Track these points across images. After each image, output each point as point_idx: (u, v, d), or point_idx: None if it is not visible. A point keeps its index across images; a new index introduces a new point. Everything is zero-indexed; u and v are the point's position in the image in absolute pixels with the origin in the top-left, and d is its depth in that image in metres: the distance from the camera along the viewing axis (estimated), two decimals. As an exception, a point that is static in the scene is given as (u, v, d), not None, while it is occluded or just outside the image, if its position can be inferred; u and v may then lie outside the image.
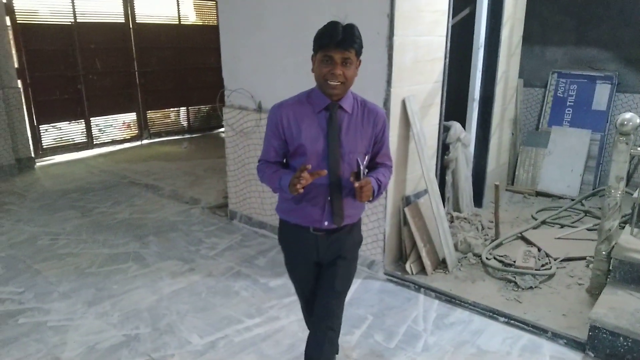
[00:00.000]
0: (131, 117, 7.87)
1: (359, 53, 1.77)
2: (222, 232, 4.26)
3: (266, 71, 3.86)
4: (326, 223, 1.90)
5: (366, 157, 1.89)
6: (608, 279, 2.94)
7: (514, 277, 3.28)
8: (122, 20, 7.39)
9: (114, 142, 7.62)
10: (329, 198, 1.86)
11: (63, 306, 3.08)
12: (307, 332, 2.73)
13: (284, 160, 1.96)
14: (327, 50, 1.72)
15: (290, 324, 2.89)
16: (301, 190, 1.72)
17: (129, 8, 7.40)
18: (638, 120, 2.82)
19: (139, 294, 3.22)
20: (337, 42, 1.70)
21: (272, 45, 3.75)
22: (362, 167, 1.82)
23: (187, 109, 8.56)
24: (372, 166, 1.97)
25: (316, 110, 1.83)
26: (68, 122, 7.02)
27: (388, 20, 3.05)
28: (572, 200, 4.77)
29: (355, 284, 3.34)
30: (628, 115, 2.82)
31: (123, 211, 4.77)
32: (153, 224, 4.44)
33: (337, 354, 2.32)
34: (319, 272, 2.07)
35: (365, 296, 3.20)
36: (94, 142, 7.34)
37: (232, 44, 4.08)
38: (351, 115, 1.85)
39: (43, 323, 2.90)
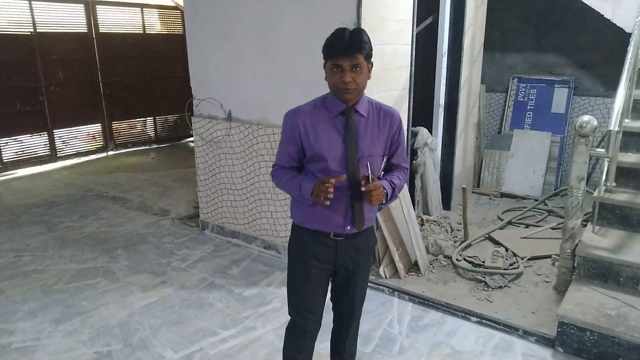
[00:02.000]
0: (96, 128, 7.71)
1: (368, 57, 1.76)
2: (194, 242, 4.20)
3: (236, 79, 3.85)
4: (349, 227, 1.88)
5: (384, 160, 1.90)
6: (573, 276, 3.05)
7: (484, 277, 3.36)
8: (84, 30, 7.24)
9: (78, 154, 7.44)
10: (349, 202, 1.85)
11: (29, 326, 2.97)
12: (282, 341, 2.74)
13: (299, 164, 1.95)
14: (335, 59, 1.72)
15: (267, 333, 2.87)
16: (327, 203, 1.72)
17: (91, 17, 7.26)
18: (595, 123, 2.95)
19: (110, 310, 3.14)
20: (344, 50, 1.69)
21: (241, 53, 3.75)
22: (369, 170, 1.80)
23: (154, 119, 8.45)
24: (388, 168, 1.97)
25: (332, 115, 1.82)
26: (30, 135, 6.82)
27: (355, 29, 3.09)
28: (536, 200, 4.94)
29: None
30: (586, 117, 2.95)
31: (90, 225, 4.65)
32: (122, 237, 4.34)
33: None
34: (329, 285, 2.04)
35: (340, 302, 3.21)
36: (58, 155, 7.14)
37: (200, 53, 4.06)
38: (367, 119, 1.85)
39: (7, 345, 2.78)
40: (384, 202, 1.83)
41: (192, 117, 4.24)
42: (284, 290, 3.33)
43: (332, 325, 2.26)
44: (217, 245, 4.14)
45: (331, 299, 2.11)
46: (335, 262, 1.94)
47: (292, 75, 3.49)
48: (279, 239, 3.85)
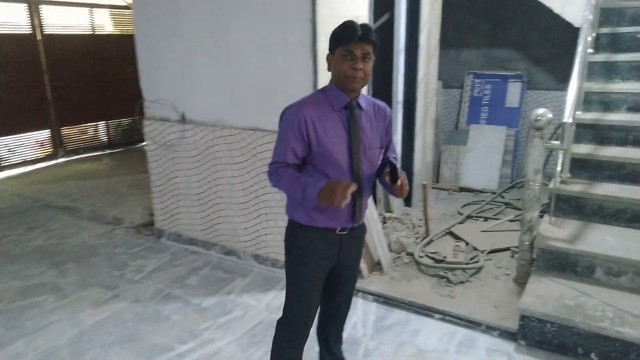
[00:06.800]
0: (44, 134, 7.33)
1: (375, 49, 1.79)
2: (149, 252, 4.02)
3: (189, 79, 3.70)
4: (355, 223, 1.94)
5: (381, 152, 1.99)
6: (532, 268, 3.08)
7: (446, 272, 3.36)
8: (28, 31, 6.86)
9: (25, 163, 7.03)
10: (353, 197, 1.84)
11: (-33, 351, 2.75)
12: (244, 352, 2.64)
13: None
14: (347, 46, 1.73)
15: (227, 345, 2.75)
16: (343, 206, 1.69)
17: (35, 18, 6.88)
18: (550, 115, 2.99)
19: (57, 329, 2.93)
20: (359, 37, 1.72)
21: (193, 52, 3.61)
22: (398, 166, 1.84)
23: (107, 123, 8.11)
24: (382, 160, 2.03)
25: (337, 108, 1.83)
26: (-30, 144, 6.39)
27: (311, 26, 3.02)
28: (493, 193, 5.01)
29: (293, 295, 3.27)
30: (541, 110, 2.98)
31: (37, 238, 4.38)
32: (71, 250, 4.10)
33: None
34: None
35: (303, 306, 3.13)
36: (3, 164, 6.73)
37: (150, 52, 3.88)
38: (367, 112, 1.89)
39: (-57, 373, 2.57)
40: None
41: (143, 120, 4.06)
42: (245, 298, 3.25)
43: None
44: (174, 253, 3.97)
45: (325, 295, 2.12)
46: (339, 257, 1.98)
47: (247, 73, 3.38)
48: (239, 244, 3.73)
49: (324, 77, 3.13)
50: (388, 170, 1.83)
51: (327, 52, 1.86)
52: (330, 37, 1.81)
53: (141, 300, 3.25)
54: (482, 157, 5.36)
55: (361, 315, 3.02)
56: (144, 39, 3.89)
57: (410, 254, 3.66)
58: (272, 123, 3.34)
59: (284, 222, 3.41)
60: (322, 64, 3.09)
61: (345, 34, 1.75)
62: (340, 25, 1.79)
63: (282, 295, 3.24)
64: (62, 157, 7.48)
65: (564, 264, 2.94)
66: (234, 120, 3.51)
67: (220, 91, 3.56)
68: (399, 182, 1.82)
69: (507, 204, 4.68)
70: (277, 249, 3.54)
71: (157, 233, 4.27)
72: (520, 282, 3.21)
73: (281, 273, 3.53)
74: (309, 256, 1.95)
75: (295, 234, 1.97)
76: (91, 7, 7.54)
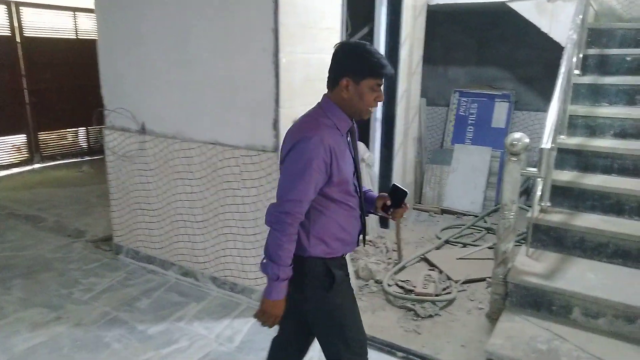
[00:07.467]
0: (20, 139, 7.11)
1: None
2: (105, 269, 3.77)
3: (149, 89, 3.49)
4: (362, 245, 1.97)
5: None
6: (506, 304, 2.85)
7: (414, 305, 3.12)
8: (7, 33, 6.68)
9: (-1, 168, 6.82)
10: (362, 219, 1.88)
11: None
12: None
13: None
14: (379, 79, 1.67)
15: (165, 379, 2.51)
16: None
17: (14, 20, 6.70)
18: (527, 140, 2.77)
19: (-16, 355, 2.69)
20: (389, 71, 1.67)
21: (154, 60, 3.40)
22: (407, 191, 1.84)
23: (87, 129, 7.90)
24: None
25: (343, 133, 1.75)
26: (-63, 147, 6.17)
27: (273, 36, 2.82)
28: (476, 217, 4.78)
29: (248, 324, 3.02)
30: (517, 135, 2.77)
31: (-10, 249, 4.14)
32: (24, 264, 3.85)
33: None
34: None
35: (257, 338, 2.87)
36: (-28, 169, 6.51)
37: (111, 60, 3.69)
38: (354, 133, 1.88)
39: None
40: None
41: (103, 130, 3.85)
42: (195, 326, 3.00)
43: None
44: (130, 272, 3.72)
45: (304, 330, 2.03)
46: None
47: (208, 83, 3.17)
48: (198, 265, 3.49)
49: (288, 90, 2.93)
50: (390, 191, 1.82)
51: (344, 76, 1.68)
52: (358, 63, 1.66)
53: (83, 324, 3.00)
54: (466, 178, 5.14)
55: (318, 351, 2.76)
56: (106, 45, 3.71)
57: (379, 282, 3.42)
58: (232, 137, 3.14)
59: (244, 243, 3.23)
60: (285, 76, 2.90)
61: (381, 68, 1.65)
62: (373, 54, 1.65)
63: (235, 324, 3.02)
64: (38, 162, 7.27)
65: (539, 302, 2.70)
66: (194, 133, 3.30)
67: (181, 102, 3.35)
68: (405, 208, 1.84)
69: (488, 230, 4.45)
70: (235, 272, 3.30)
71: (115, 249, 4.02)
72: (493, 318, 2.96)
73: (239, 298, 3.30)
74: (341, 287, 1.82)
75: (316, 269, 1.77)
76: (75, 11, 7.37)
